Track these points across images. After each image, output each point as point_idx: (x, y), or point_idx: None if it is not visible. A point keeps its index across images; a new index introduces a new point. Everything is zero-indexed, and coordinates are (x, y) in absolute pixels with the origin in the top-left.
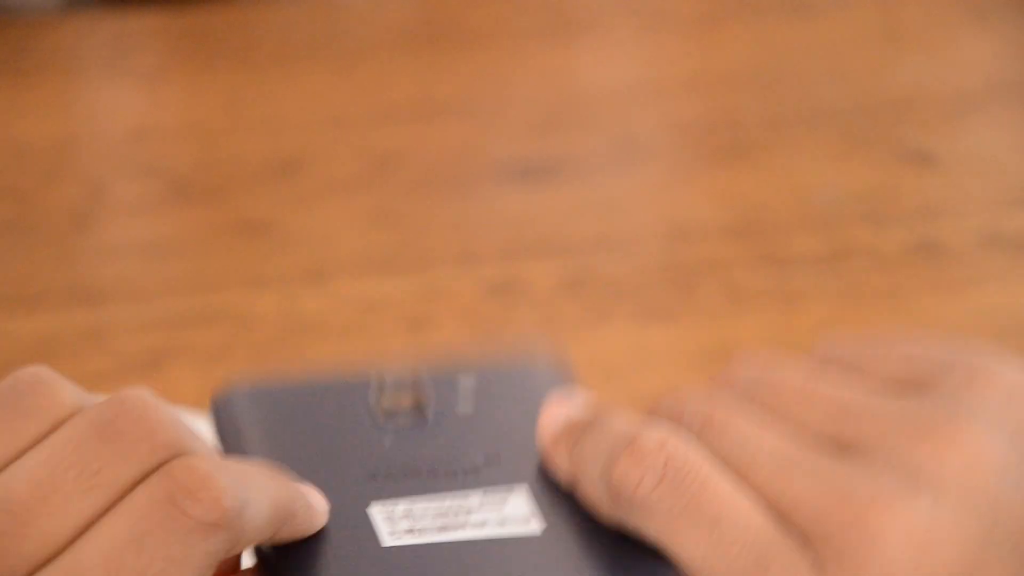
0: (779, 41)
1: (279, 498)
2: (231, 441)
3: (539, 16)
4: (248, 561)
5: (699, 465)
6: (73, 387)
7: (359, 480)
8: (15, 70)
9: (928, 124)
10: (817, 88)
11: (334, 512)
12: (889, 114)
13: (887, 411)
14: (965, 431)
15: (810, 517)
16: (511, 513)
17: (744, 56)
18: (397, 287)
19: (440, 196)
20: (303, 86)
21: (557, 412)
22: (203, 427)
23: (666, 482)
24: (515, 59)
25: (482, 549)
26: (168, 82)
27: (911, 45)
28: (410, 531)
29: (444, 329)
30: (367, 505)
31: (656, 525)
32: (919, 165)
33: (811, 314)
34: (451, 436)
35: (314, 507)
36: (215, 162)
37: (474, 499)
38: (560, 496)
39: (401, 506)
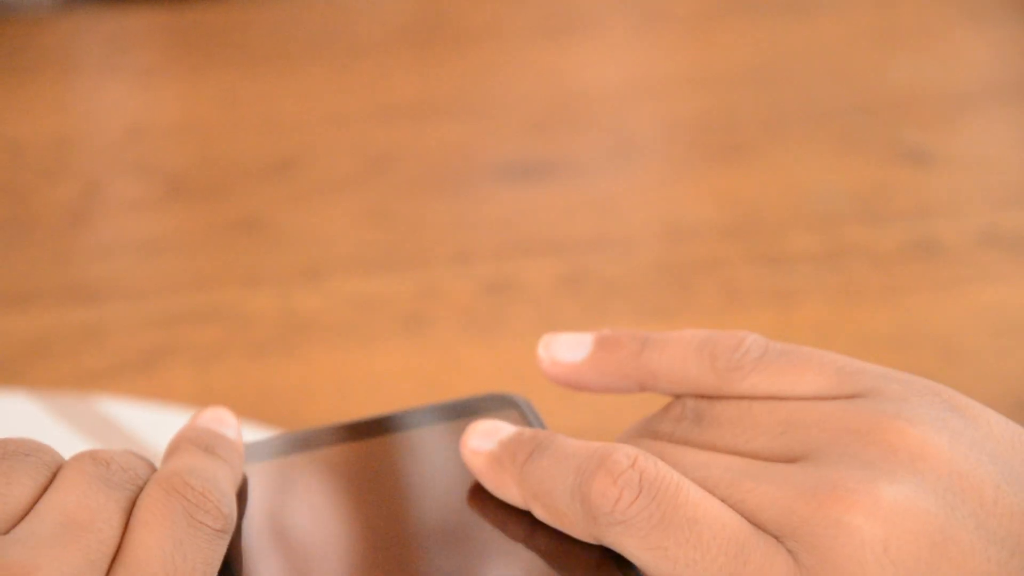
0: (776, 41)
1: (237, 479)
2: None
3: (536, 15)
4: None
5: (670, 475)
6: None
7: None
8: (12, 68)
9: (925, 123)
10: (814, 87)
11: None
12: (886, 113)
13: (825, 416)
14: (909, 427)
15: (776, 516)
16: None
17: (741, 55)
18: (393, 285)
19: (437, 195)
20: (300, 85)
21: (484, 430)
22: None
23: (643, 495)
24: (512, 58)
25: None
26: (165, 80)
27: (908, 45)
28: None
29: (440, 327)
30: None
31: (635, 537)
32: (916, 164)
33: (808, 312)
34: None
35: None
36: (211, 160)
37: None
38: None
39: None
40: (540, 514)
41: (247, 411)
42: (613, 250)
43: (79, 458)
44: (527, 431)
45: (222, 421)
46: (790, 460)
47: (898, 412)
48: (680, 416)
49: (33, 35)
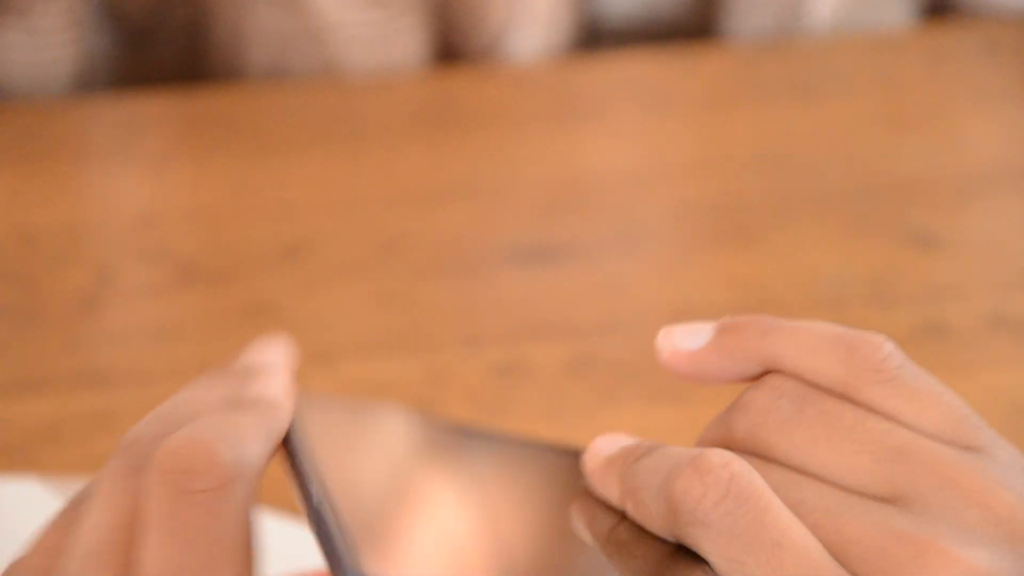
0: (784, 125)
1: (269, 425)
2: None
3: (544, 100)
4: None
5: (762, 489)
6: None
7: None
8: (23, 155)
9: (933, 207)
10: (822, 171)
11: None
12: (894, 197)
13: (939, 460)
14: (1016, 500)
15: (867, 553)
16: None
17: (749, 140)
18: (404, 369)
19: (446, 279)
20: (309, 170)
21: (611, 439)
22: None
23: (730, 499)
24: (520, 142)
25: None
26: (175, 166)
27: (915, 129)
28: None
29: (451, 411)
30: None
31: (715, 543)
32: (924, 248)
33: None
34: None
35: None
36: (222, 246)
37: None
38: None
39: None
40: (630, 511)
41: (261, 497)
42: (622, 333)
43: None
44: (647, 440)
45: (262, 355)
46: (889, 495)
47: (1007, 482)
48: (779, 392)
49: (43, 122)
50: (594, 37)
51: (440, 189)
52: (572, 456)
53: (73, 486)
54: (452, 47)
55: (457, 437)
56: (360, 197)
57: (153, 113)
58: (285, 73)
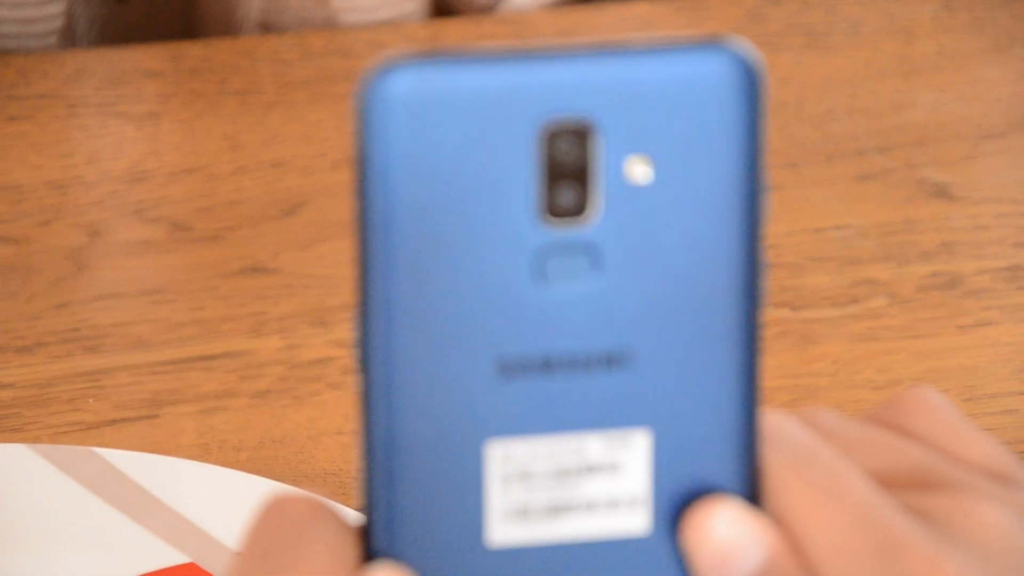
0: (795, 75)
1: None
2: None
3: None
4: None
5: None
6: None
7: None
8: (12, 111)
9: (946, 159)
10: (834, 123)
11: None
12: (907, 150)
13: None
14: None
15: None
16: (623, 490)
17: None
18: None
19: None
20: (305, 127)
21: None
22: (202, 474)
23: None
24: None
25: (585, 564)
26: (167, 123)
27: (928, 79)
28: (522, 513)
29: None
30: (482, 436)
31: None
32: (937, 200)
33: (829, 351)
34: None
35: None
36: (216, 204)
37: (593, 448)
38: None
39: (517, 458)
40: None
41: (252, 459)
42: None
43: None
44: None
45: None
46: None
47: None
48: None
49: (33, 78)
50: None
51: None
52: None
53: (64, 451)
54: (453, 6)
55: None
56: None
57: (144, 68)
58: (279, 27)
